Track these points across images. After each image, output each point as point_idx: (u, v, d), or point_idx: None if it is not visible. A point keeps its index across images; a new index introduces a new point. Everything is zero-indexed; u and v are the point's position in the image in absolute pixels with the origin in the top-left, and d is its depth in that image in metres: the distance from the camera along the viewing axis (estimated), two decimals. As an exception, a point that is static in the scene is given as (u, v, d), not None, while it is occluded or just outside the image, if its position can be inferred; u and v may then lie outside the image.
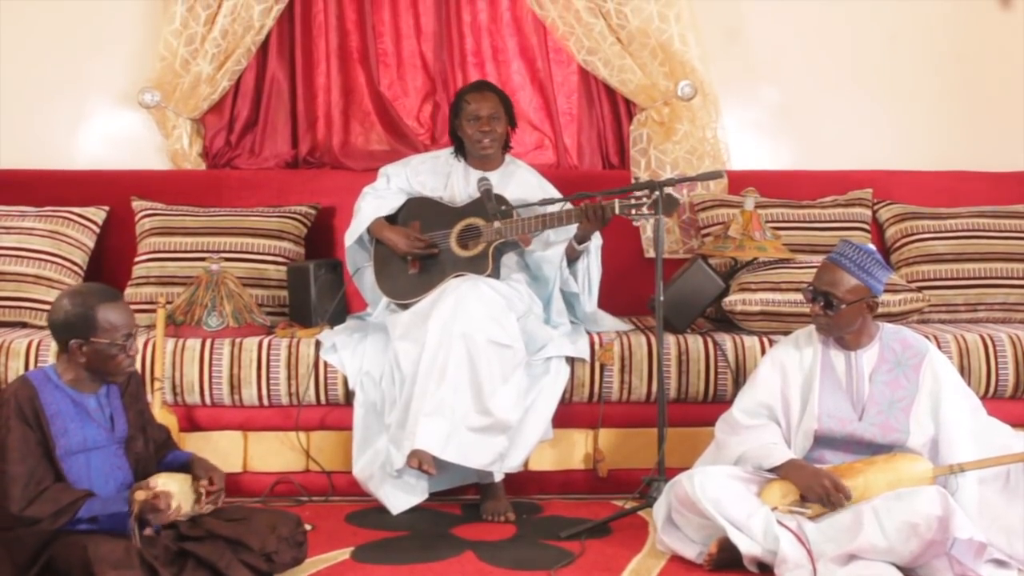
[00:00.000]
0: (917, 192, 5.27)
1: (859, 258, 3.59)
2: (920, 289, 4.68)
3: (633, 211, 4.12)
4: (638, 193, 4.12)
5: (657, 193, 4.04)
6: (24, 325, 4.70)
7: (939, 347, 4.19)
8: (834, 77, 5.56)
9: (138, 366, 4.12)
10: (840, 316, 3.59)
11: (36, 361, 4.23)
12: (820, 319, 3.63)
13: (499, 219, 4.32)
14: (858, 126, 5.57)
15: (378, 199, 4.63)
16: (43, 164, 5.31)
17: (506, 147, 4.68)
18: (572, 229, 4.37)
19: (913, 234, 5.06)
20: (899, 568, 3.34)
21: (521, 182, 4.62)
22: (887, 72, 5.57)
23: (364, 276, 4.68)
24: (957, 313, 4.90)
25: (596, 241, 4.47)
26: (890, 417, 3.60)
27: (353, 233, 4.59)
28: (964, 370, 4.31)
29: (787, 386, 3.71)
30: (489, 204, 4.33)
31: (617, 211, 4.15)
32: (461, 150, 4.67)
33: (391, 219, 4.61)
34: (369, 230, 4.58)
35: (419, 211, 4.59)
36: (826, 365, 3.69)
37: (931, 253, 4.98)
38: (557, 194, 4.59)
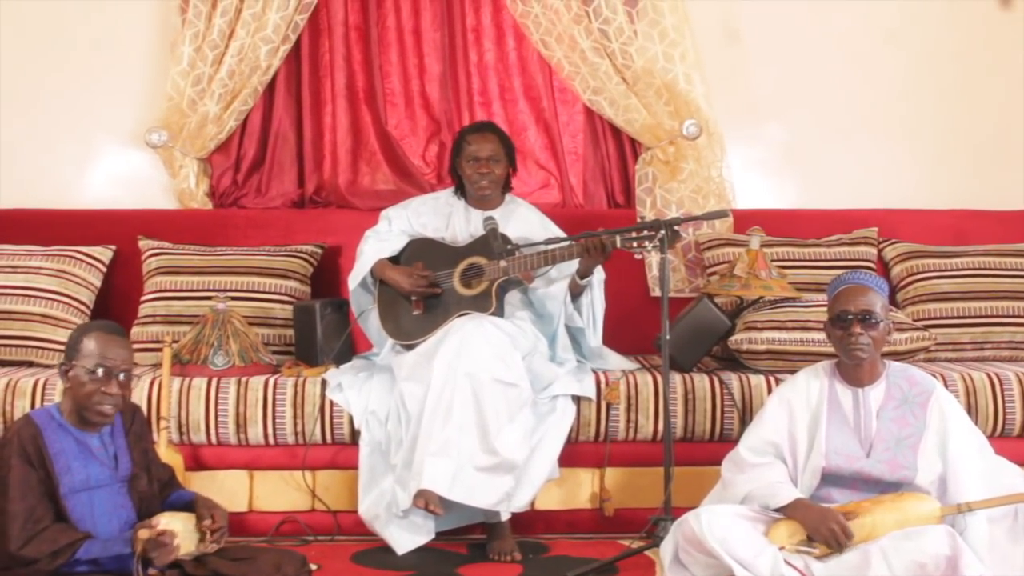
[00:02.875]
0: (923, 231, 5.27)
1: (876, 279, 3.66)
2: (926, 328, 4.66)
3: (634, 244, 4.13)
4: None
5: (663, 232, 4.05)
6: (31, 364, 4.69)
7: (946, 385, 4.16)
8: (839, 116, 5.56)
9: (144, 405, 4.13)
10: (882, 333, 3.60)
11: (42, 400, 4.23)
12: (861, 338, 3.58)
13: (504, 258, 4.32)
14: (863, 165, 5.57)
15: (380, 241, 4.64)
16: (50, 203, 5.33)
17: (506, 188, 4.69)
18: (574, 265, 4.37)
19: (919, 273, 5.05)
20: (908, 608, 3.32)
21: (522, 220, 4.63)
22: (892, 111, 5.58)
23: (369, 319, 4.67)
24: (963, 352, 4.89)
25: (599, 275, 4.46)
26: (898, 454, 3.58)
27: (357, 276, 4.60)
28: (971, 409, 4.29)
29: (794, 424, 3.69)
30: (495, 243, 4.33)
31: (619, 244, 4.16)
32: (462, 189, 4.69)
33: (394, 260, 4.62)
34: (372, 272, 4.59)
35: (422, 252, 4.59)
36: (833, 402, 3.68)
37: (937, 292, 4.97)
38: (559, 231, 4.60)
